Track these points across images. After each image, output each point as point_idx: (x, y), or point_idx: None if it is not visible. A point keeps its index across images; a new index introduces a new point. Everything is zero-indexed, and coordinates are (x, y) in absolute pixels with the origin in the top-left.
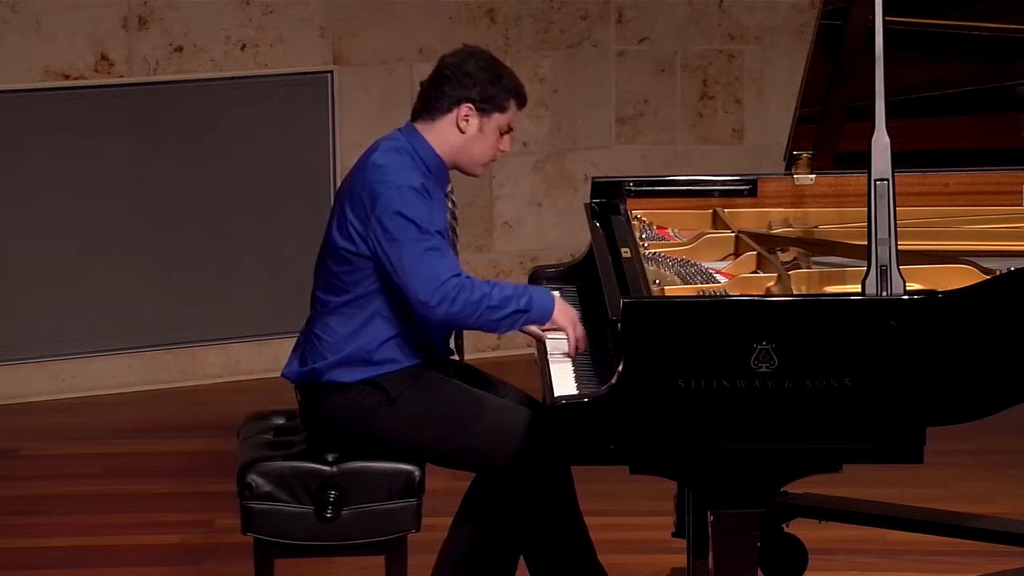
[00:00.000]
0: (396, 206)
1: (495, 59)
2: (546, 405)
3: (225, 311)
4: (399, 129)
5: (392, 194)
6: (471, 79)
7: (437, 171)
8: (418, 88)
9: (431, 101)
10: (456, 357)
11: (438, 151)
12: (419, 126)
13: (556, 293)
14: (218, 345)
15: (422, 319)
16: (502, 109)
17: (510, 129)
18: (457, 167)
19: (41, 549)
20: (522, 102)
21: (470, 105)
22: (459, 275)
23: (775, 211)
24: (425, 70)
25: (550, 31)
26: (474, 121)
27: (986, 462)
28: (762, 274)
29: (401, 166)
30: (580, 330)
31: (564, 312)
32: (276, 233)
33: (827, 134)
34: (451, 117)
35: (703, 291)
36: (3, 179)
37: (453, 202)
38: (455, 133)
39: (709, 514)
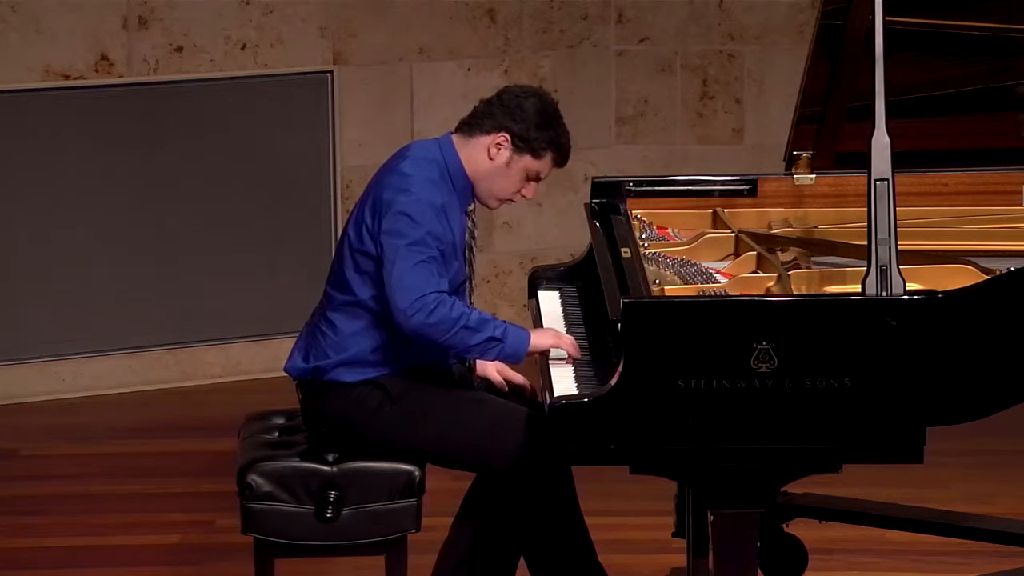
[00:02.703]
0: (408, 212)
1: (557, 111)
2: (546, 405)
3: (225, 311)
4: (436, 139)
5: (410, 203)
6: (522, 113)
7: (462, 188)
8: (419, 88)
9: (477, 118)
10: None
11: (466, 169)
12: (457, 139)
13: (534, 330)
14: (218, 345)
15: (398, 327)
16: (536, 155)
17: (539, 178)
18: (475, 192)
19: (41, 549)
20: (561, 160)
21: (507, 136)
22: (443, 292)
23: (775, 211)
24: (425, 70)
25: (550, 31)
26: (505, 153)
27: (986, 462)
28: (762, 274)
29: (427, 179)
30: (566, 340)
31: (542, 338)
32: (276, 233)
33: (827, 134)
34: (486, 140)
35: (703, 291)
36: (3, 179)
37: (473, 221)
38: (484, 158)
39: (709, 514)
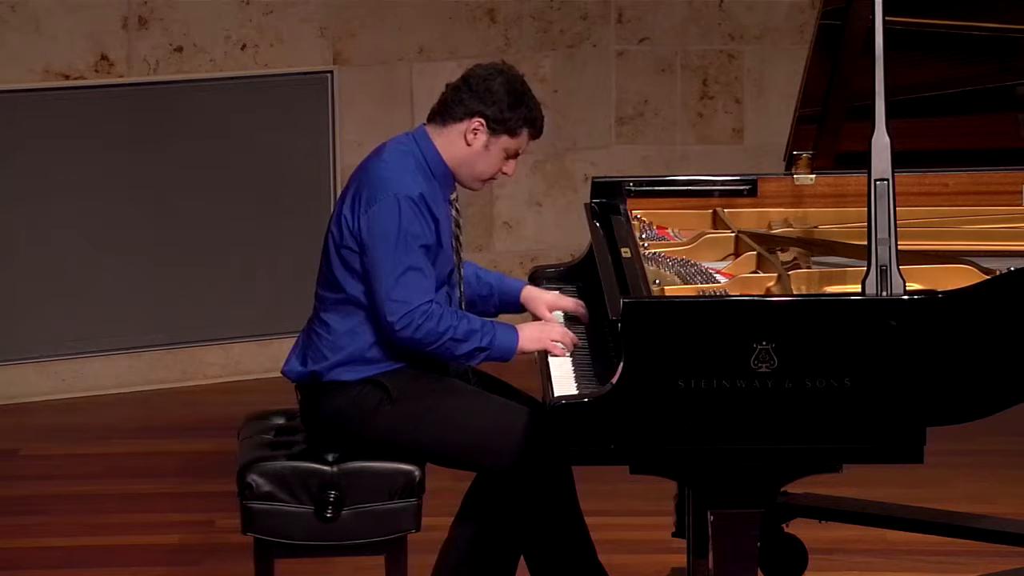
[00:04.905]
0: (387, 216)
1: (524, 85)
2: (546, 405)
3: (225, 311)
4: (409, 132)
5: (388, 202)
6: (491, 96)
7: (442, 177)
8: (419, 88)
9: (447, 106)
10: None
11: (444, 157)
12: (430, 129)
13: (525, 324)
14: (218, 345)
15: (371, 331)
16: (513, 134)
17: (517, 154)
18: (457, 178)
19: (41, 549)
20: (536, 133)
21: (482, 121)
22: (431, 302)
23: (775, 211)
24: (425, 70)
25: (550, 31)
26: (482, 137)
27: (986, 462)
28: (762, 274)
29: (404, 171)
30: (555, 335)
31: (530, 343)
32: (276, 233)
33: (827, 134)
34: (461, 127)
35: (703, 291)
36: (2, 179)
37: (457, 209)
38: (461, 144)
39: (709, 514)
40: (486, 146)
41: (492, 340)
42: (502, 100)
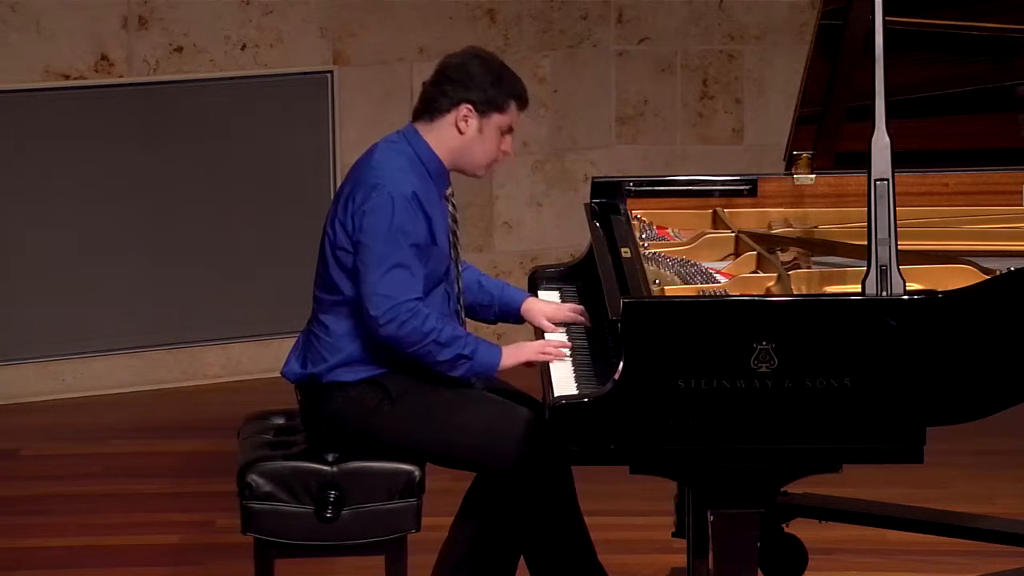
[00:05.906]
0: (380, 213)
1: (498, 60)
2: (546, 405)
3: (225, 311)
4: (399, 131)
5: (381, 200)
6: (472, 80)
7: (437, 173)
8: (419, 88)
9: (431, 102)
10: None
11: (438, 152)
12: (419, 127)
13: (507, 346)
14: (218, 345)
15: (371, 331)
16: (501, 110)
17: (511, 130)
18: (459, 169)
19: (41, 549)
20: (523, 104)
21: (470, 106)
22: (418, 300)
23: (775, 211)
24: (425, 70)
25: (550, 31)
26: (473, 122)
27: (986, 462)
28: (762, 274)
29: (398, 169)
30: (538, 349)
31: (514, 359)
32: (276, 233)
33: (827, 134)
34: (450, 118)
35: (703, 291)
36: (3, 179)
37: (453, 205)
38: (454, 134)
39: (709, 514)
40: (480, 130)
41: (475, 350)
42: (484, 80)
